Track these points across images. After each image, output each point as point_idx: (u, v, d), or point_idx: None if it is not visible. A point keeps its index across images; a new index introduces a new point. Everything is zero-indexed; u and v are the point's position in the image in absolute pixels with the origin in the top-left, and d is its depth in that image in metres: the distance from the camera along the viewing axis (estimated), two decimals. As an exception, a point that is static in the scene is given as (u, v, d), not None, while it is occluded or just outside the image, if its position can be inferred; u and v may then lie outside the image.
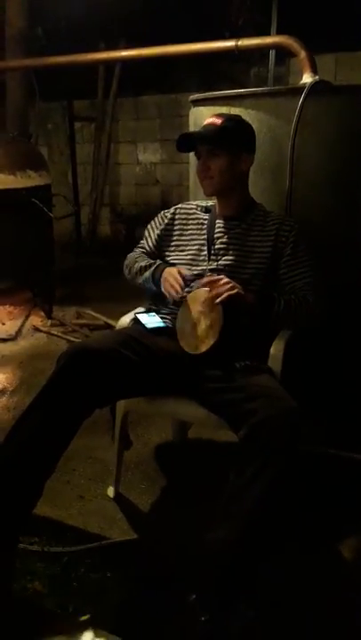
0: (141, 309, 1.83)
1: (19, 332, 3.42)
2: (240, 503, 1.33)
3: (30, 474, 1.42)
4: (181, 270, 1.69)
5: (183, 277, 1.66)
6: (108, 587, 1.45)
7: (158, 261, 1.80)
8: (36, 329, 3.47)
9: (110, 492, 1.85)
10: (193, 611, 1.28)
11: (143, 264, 1.81)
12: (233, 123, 1.69)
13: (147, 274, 1.77)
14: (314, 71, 2.47)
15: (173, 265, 1.76)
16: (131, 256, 1.90)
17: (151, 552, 1.60)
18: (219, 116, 1.71)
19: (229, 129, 1.66)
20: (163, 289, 1.70)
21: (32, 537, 1.60)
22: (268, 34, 4.17)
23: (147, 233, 1.90)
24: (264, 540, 1.35)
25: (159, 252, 1.86)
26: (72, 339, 3.26)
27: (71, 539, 1.62)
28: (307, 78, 2.39)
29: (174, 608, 1.35)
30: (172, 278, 1.67)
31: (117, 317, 1.85)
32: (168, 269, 1.72)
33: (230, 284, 1.55)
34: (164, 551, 1.59)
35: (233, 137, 1.66)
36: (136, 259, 1.86)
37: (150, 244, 1.88)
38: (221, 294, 1.53)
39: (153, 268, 1.77)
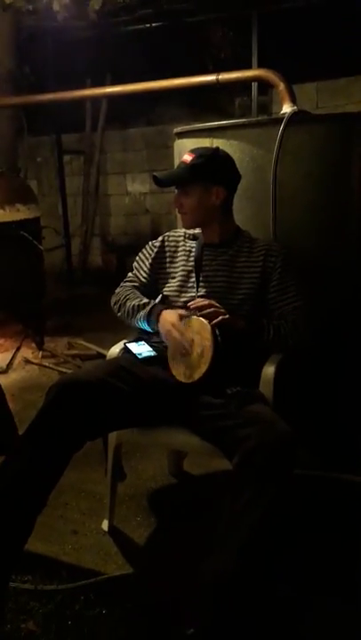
0: (130, 339, 1.82)
1: (9, 364, 3.40)
2: (236, 531, 1.30)
3: (20, 509, 1.40)
4: (181, 313, 1.62)
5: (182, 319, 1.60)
6: (104, 624, 1.42)
7: (152, 302, 1.73)
8: (28, 361, 3.45)
9: (105, 525, 1.82)
10: (191, 646, 1.24)
11: (136, 303, 1.73)
12: (203, 159, 1.67)
13: (141, 314, 1.70)
14: (293, 101, 2.55)
15: (166, 297, 1.76)
16: (120, 292, 1.82)
17: (148, 586, 1.56)
18: (192, 152, 1.71)
19: (197, 166, 1.66)
20: (164, 338, 1.64)
21: (25, 575, 1.57)
22: (250, 65, 4.32)
23: (137, 264, 1.86)
24: (262, 568, 1.32)
25: (154, 282, 1.82)
26: (64, 370, 3.25)
27: (65, 575, 1.58)
28: (286, 108, 2.47)
29: (172, 644, 1.31)
30: (175, 332, 1.58)
31: (110, 347, 1.83)
32: (165, 315, 1.65)
33: (219, 309, 1.56)
34: (161, 585, 1.56)
35: (201, 173, 1.66)
36: (127, 296, 1.78)
37: (143, 275, 1.84)
38: (213, 318, 1.54)
39: (148, 309, 1.69)
